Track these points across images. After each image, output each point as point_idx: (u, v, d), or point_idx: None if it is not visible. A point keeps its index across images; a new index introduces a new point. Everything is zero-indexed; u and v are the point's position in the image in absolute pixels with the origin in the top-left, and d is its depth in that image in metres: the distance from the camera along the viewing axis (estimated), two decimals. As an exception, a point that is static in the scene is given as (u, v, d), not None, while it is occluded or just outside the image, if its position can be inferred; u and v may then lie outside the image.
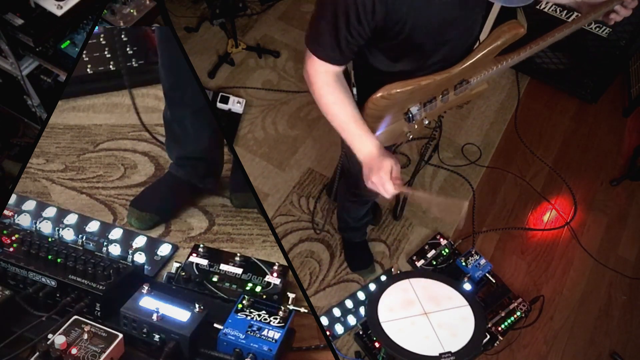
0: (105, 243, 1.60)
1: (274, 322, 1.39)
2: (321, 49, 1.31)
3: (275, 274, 1.65)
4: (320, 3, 1.27)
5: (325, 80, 1.34)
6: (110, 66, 2.51)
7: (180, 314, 1.34)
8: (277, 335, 1.35)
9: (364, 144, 1.35)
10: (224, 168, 2.16)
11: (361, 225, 2.24)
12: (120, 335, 1.26)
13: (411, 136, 1.53)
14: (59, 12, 1.85)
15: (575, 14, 2.55)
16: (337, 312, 2.14)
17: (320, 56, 1.32)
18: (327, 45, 1.29)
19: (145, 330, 1.33)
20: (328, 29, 1.26)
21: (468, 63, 1.42)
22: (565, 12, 2.57)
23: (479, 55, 1.42)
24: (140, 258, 1.73)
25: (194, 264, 1.66)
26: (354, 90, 1.48)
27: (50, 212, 1.85)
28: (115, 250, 1.71)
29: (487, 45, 1.41)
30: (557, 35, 1.45)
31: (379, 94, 1.37)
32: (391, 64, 1.41)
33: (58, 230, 1.63)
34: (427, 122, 1.52)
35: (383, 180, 1.31)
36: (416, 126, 1.51)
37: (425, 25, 1.26)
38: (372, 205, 2.38)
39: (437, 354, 1.54)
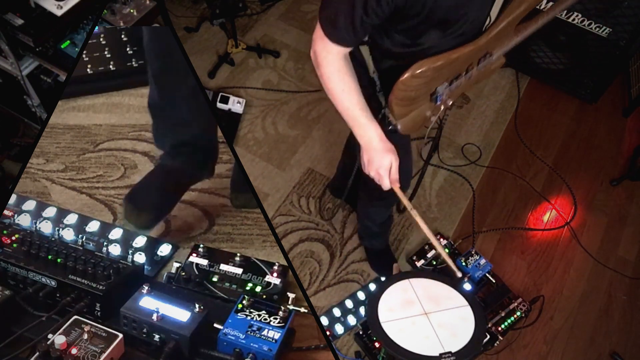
0: (105, 243, 1.60)
1: (274, 322, 1.39)
2: (336, 31, 1.29)
3: (275, 274, 1.65)
4: None
5: (336, 65, 1.34)
6: (110, 66, 2.51)
7: (180, 314, 1.34)
8: (277, 335, 1.35)
9: (366, 131, 1.38)
10: (224, 168, 2.16)
11: (383, 231, 2.22)
12: (120, 335, 1.26)
13: (434, 119, 1.51)
14: (59, 12, 1.85)
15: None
16: (337, 312, 2.14)
17: (335, 39, 1.30)
18: (342, 27, 1.27)
19: (145, 330, 1.33)
20: (344, 10, 1.24)
21: (493, 33, 1.39)
22: (564, 12, 2.57)
23: (504, 24, 1.39)
24: (140, 258, 1.73)
25: (194, 264, 1.66)
26: (375, 76, 1.45)
27: (50, 212, 1.85)
28: (115, 250, 1.71)
29: (509, 14, 1.38)
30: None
31: (408, 74, 1.34)
32: (409, 45, 1.38)
33: (58, 230, 1.63)
34: (450, 102, 1.50)
35: (381, 176, 1.41)
36: (442, 107, 1.50)
37: (443, 2, 1.24)
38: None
39: (437, 354, 1.54)
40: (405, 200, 1.47)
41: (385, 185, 1.42)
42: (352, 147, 1.67)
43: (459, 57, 1.38)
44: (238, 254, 1.70)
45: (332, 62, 1.34)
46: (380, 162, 1.39)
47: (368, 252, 2.30)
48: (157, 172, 1.87)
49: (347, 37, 1.30)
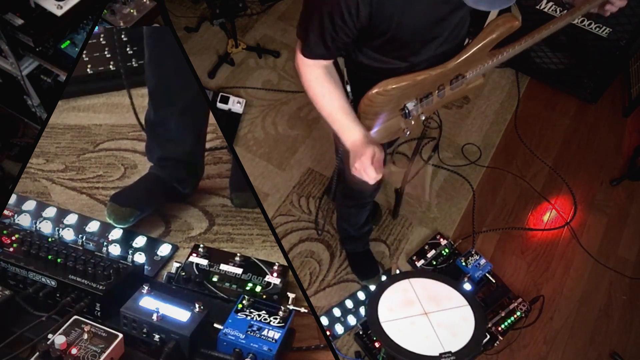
0: (105, 243, 1.60)
1: (274, 322, 1.39)
2: (308, 47, 1.34)
3: (275, 274, 1.65)
4: (307, 3, 1.30)
5: (314, 74, 1.38)
6: (110, 66, 2.51)
7: (180, 314, 1.34)
8: (277, 335, 1.35)
9: (351, 133, 1.38)
10: (224, 168, 2.17)
11: (362, 234, 2.21)
12: (120, 335, 1.26)
13: (408, 132, 1.53)
14: (59, 12, 1.85)
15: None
16: (337, 312, 2.14)
17: (308, 54, 1.35)
18: (314, 43, 1.32)
19: (145, 330, 1.33)
20: (314, 28, 1.29)
21: (463, 57, 1.43)
22: (565, 12, 2.57)
23: (474, 50, 1.42)
24: (140, 258, 1.73)
25: (194, 264, 1.66)
26: (348, 87, 1.49)
27: (50, 212, 1.85)
28: (115, 250, 1.72)
29: (482, 39, 1.41)
30: (552, 27, 1.47)
31: (374, 90, 1.38)
32: (381, 61, 1.42)
33: (58, 230, 1.63)
34: (423, 117, 1.53)
35: (365, 165, 1.32)
36: (413, 122, 1.51)
37: (410, 23, 1.28)
38: (372, 206, 2.38)
39: (437, 354, 1.54)
40: (397, 177, 1.50)
41: (371, 174, 1.32)
42: (340, 150, 1.69)
43: (425, 78, 1.41)
44: (238, 254, 1.70)
45: (310, 71, 1.38)
46: (363, 151, 1.32)
47: (349, 256, 2.29)
48: (142, 179, 1.99)
49: (320, 53, 1.34)
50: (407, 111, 1.47)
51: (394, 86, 1.38)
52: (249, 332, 1.35)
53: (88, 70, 2.48)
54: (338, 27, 1.26)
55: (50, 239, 1.53)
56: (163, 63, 1.79)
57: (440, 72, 1.43)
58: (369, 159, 1.32)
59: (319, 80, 1.38)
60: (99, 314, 1.38)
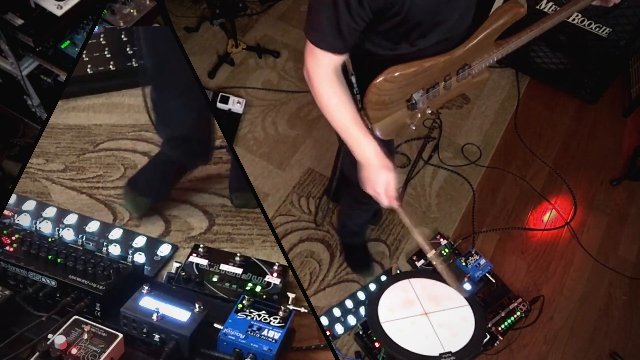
0: (105, 243, 1.60)
1: (274, 322, 1.39)
2: (323, 38, 1.29)
3: (275, 274, 1.65)
4: None
5: (327, 80, 1.33)
6: (110, 66, 2.51)
7: (180, 314, 1.34)
8: (277, 335, 1.35)
9: (363, 148, 1.38)
10: (224, 168, 2.16)
11: (362, 230, 2.22)
12: (120, 335, 1.26)
13: (414, 127, 1.50)
14: (59, 12, 1.85)
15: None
16: (337, 312, 2.14)
17: (322, 46, 1.30)
18: (329, 33, 1.27)
19: (145, 330, 1.33)
20: (328, 16, 1.24)
21: (470, 44, 1.41)
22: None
23: (481, 36, 1.40)
24: (140, 258, 1.73)
25: (194, 264, 1.66)
26: (353, 79, 1.45)
27: (50, 212, 1.85)
28: (115, 250, 1.72)
29: (488, 26, 1.39)
30: (556, 17, 1.46)
31: (381, 78, 1.35)
32: (388, 48, 1.39)
33: (58, 230, 1.63)
34: (429, 111, 1.50)
35: (378, 194, 1.40)
36: (419, 115, 1.49)
37: (422, 4, 1.25)
38: None
39: (437, 354, 1.54)
40: (406, 221, 1.46)
41: (384, 203, 1.41)
42: (347, 157, 1.68)
43: (433, 65, 1.39)
44: (238, 254, 1.70)
45: (323, 75, 1.33)
46: (376, 179, 1.39)
47: (345, 247, 2.30)
48: (156, 162, 2.02)
49: (334, 43, 1.29)
50: (413, 102, 1.44)
51: (401, 72, 1.35)
52: (249, 332, 1.35)
53: (88, 70, 2.48)
54: (354, 11, 1.21)
55: (50, 239, 1.53)
56: (159, 47, 1.80)
57: (447, 59, 1.40)
58: (382, 189, 1.39)
59: (332, 87, 1.33)
60: (99, 314, 1.38)
